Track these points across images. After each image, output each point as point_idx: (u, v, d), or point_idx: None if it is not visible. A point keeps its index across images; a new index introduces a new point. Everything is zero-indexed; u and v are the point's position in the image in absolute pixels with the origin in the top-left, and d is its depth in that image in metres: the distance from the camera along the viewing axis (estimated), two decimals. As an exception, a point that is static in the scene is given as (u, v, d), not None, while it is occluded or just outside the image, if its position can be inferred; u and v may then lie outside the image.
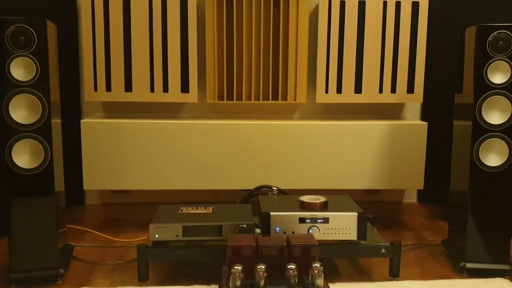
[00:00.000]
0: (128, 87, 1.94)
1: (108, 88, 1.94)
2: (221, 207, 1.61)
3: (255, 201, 1.69)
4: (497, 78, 1.50)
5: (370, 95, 2.02)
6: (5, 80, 1.38)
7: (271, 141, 1.92)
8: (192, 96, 1.97)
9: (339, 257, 1.64)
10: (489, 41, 1.48)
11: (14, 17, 1.38)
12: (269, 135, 1.92)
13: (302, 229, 1.46)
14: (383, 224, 2.08)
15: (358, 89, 2.01)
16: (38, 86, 1.40)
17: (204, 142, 1.91)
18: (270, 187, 1.86)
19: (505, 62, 1.48)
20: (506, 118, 1.50)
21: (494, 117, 1.51)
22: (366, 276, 1.54)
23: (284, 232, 1.46)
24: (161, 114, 2.09)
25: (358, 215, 1.46)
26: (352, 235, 1.47)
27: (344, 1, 1.96)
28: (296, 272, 1.23)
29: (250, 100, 2.00)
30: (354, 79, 2.00)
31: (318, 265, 1.23)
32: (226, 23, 1.96)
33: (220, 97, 2.00)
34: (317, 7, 2.02)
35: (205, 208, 1.59)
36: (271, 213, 1.45)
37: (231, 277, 1.22)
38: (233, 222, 1.45)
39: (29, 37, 1.39)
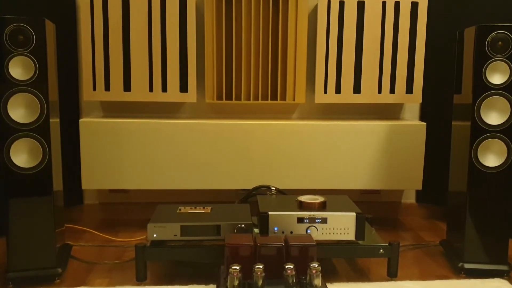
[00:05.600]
0: (127, 87, 1.94)
1: (107, 88, 1.94)
2: (219, 207, 1.61)
3: (253, 201, 1.69)
4: (496, 78, 1.50)
5: (369, 95, 2.02)
6: (4, 79, 1.38)
7: (269, 141, 1.92)
8: (191, 96, 1.97)
9: (337, 257, 1.64)
10: (488, 41, 1.48)
11: (12, 16, 1.38)
12: (267, 135, 1.92)
13: (300, 229, 1.46)
14: (381, 225, 2.08)
15: (357, 89, 2.01)
16: (36, 85, 1.40)
17: (203, 142, 1.90)
18: (268, 187, 1.86)
19: (504, 63, 1.48)
20: (505, 119, 1.50)
21: (493, 118, 1.51)
22: (364, 276, 1.54)
23: (283, 232, 1.46)
24: (159, 114, 2.09)
25: (356, 215, 1.46)
26: (350, 235, 1.47)
27: (343, 1, 1.96)
28: (294, 272, 1.23)
29: (249, 100, 2.00)
30: (353, 80, 2.00)
31: (316, 265, 1.23)
32: (225, 22, 1.96)
33: (219, 97, 2.00)
34: (316, 7, 2.02)
35: (204, 207, 1.59)
36: (270, 213, 1.45)
37: (229, 277, 1.22)
38: (231, 222, 1.45)
39: (28, 36, 1.38)
